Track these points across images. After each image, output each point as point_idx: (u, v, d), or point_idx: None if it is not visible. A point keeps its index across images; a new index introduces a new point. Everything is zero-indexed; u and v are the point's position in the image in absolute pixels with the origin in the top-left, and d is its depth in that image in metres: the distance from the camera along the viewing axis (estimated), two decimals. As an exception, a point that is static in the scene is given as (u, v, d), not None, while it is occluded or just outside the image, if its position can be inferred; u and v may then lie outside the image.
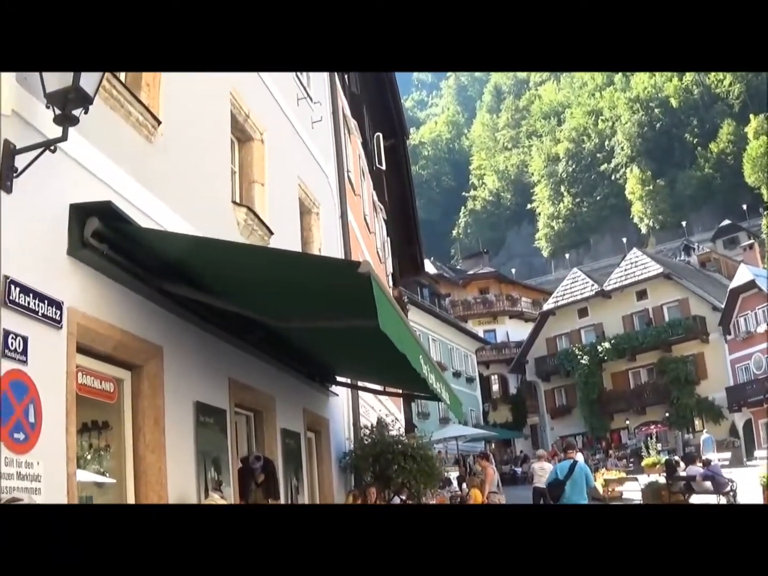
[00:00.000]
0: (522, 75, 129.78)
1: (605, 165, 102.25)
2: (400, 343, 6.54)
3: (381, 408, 21.46)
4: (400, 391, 18.25)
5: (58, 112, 5.86)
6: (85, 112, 5.97)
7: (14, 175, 5.89)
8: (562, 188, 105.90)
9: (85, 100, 5.89)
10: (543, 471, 19.88)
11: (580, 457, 18.03)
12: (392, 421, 19.69)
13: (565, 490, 14.29)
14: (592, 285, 58.87)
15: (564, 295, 60.93)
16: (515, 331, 67.85)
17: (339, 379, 14.79)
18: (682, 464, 22.18)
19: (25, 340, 5.86)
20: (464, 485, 22.38)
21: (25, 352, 5.84)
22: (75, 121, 5.90)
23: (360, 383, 16.28)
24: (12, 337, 5.72)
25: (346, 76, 21.37)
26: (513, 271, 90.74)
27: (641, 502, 23.62)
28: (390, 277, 26.93)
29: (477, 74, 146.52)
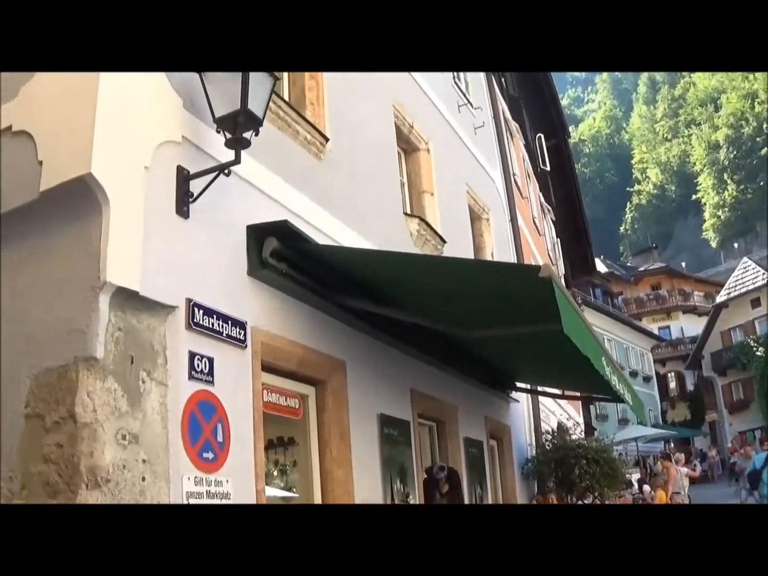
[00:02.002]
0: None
1: (766, 149, 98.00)
2: (583, 345, 6.32)
3: (561, 412, 21.12)
4: (579, 394, 17.83)
5: (228, 135, 5.86)
6: (256, 134, 5.97)
7: (190, 200, 5.96)
8: (725, 176, 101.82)
9: (254, 122, 5.88)
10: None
11: None
12: (573, 425, 19.33)
13: (762, 477, 16.41)
14: (763, 274, 56.20)
15: (736, 286, 58.33)
16: (689, 326, 65.93)
17: (519, 385, 14.56)
18: None
19: (210, 361, 5.91)
20: (645, 487, 21.81)
21: (211, 372, 5.90)
22: (246, 143, 5.91)
23: (540, 388, 16.02)
24: (198, 359, 5.79)
25: (503, 79, 21.15)
26: (683, 264, 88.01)
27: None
28: (563, 279, 26.47)
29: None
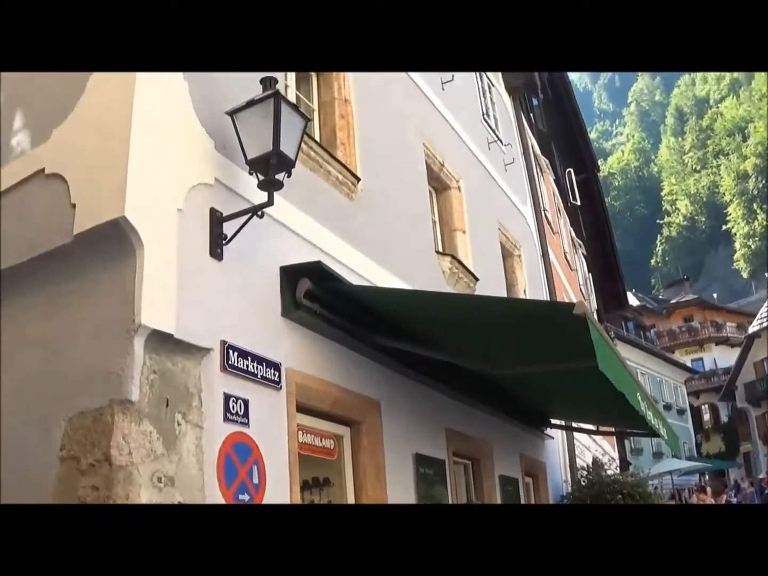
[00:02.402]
0: (701, 93, 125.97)
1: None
2: (618, 381, 6.30)
3: (596, 448, 20.90)
4: (614, 429, 17.67)
5: (261, 177, 5.86)
6: (288, 176, 5.95)
7: (224, 242, 5.95)
8: (755, 205, 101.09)
9: (287, 164, 5.88)
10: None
11: None
12: (608, 460, 19.14)
13: None
14: (796, 303, 55.63)
15: (768, 315, 57.74)
16: (722, 357, 65.40)
17: (554, 421, 14.41)
18: None
19: (245, 402, 5.88)
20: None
21: (246, 414, 5.87)
22: (279, 185, 5.89)
23: (574, 424, 15.86)
24: (233, 401, 5.76)
25: (531, 114, 21.14)
26: (714, 295, 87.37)
27: None
28: (595, 314, 26.29)
29: (657, 98, 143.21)
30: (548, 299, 16.27)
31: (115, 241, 5.16)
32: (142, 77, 5.50)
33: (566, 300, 18.83)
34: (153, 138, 5.50)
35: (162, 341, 5.23)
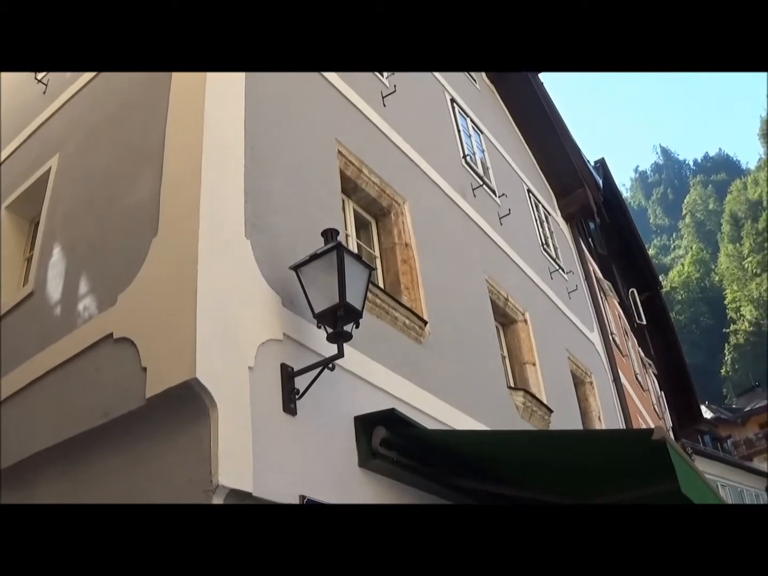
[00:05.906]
0: (754, 196, 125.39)
1: None
2: (701, 502, 6.03)
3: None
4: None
5: (329, 330, 5.81)
6: (356, 327, 5.88)
7: (296, 397, 5.87)
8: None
9: (354, 315, 5.84)
10: None
11: None
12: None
13: None
14: None
15: (841, 416, 56.07)
16: (803, 460, 63.18)
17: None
18: None
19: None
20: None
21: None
22: (348, 336, 5.83)
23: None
24: (315, 557, 5.51)
25: (590, 239, 21.09)
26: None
27: None
28: (671, 432, 25.63)
29: (711, 206, 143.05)
30: (623, 424, 15.90)
31: (188, 402, 5.11)
32: (204, 239, 5.54)
33: (642, 422, 18.41)
34: (219, 298, 5.53)
35: (241, 500, 5.07)
